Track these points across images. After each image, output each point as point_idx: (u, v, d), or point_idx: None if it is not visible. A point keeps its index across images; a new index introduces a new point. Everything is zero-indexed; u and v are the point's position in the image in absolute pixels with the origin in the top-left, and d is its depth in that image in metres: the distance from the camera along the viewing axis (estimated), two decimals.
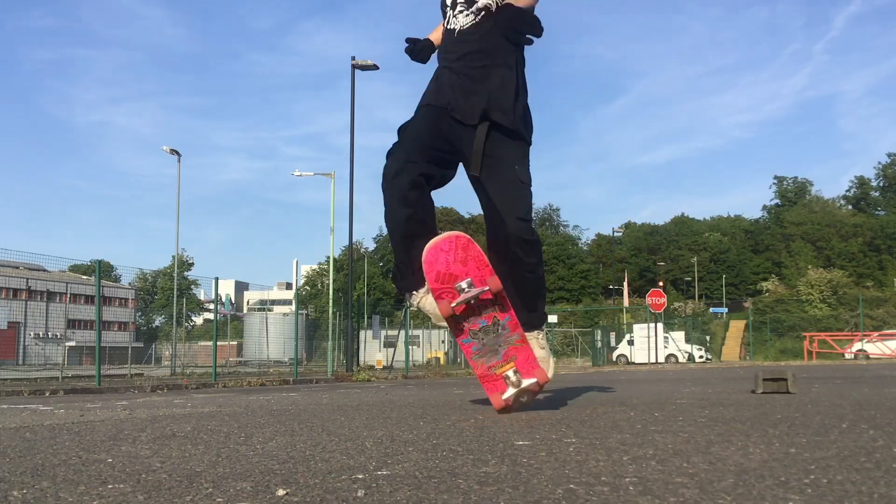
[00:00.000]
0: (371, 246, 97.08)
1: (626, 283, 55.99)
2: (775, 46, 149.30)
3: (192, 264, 76.27)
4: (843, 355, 36.58)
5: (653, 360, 29.82)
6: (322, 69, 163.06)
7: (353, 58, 20.11)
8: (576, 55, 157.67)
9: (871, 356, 33.44)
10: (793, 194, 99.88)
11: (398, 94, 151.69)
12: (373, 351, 33.13)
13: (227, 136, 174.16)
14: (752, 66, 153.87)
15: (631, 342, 40.21)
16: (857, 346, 35.87)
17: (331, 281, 21.36)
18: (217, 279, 15.35)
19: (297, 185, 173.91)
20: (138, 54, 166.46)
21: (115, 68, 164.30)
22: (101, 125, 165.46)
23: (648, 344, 30.48)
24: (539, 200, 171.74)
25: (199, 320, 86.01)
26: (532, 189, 3.75)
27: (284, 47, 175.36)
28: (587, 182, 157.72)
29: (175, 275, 37.81)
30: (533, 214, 3.81)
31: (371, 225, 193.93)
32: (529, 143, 3.83)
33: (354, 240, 26.31)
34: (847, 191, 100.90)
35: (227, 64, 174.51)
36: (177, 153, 30.26)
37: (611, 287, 78.30)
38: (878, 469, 1.86)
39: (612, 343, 41.54)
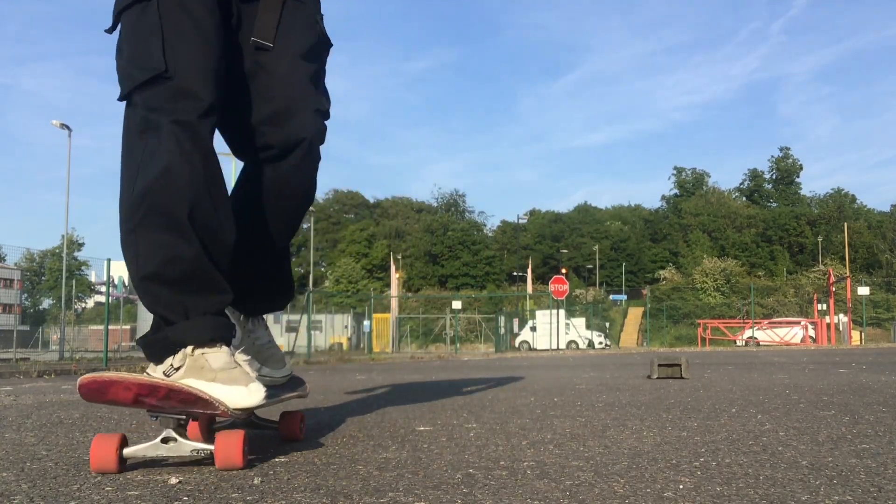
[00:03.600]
0: None
1: (529, 270, 56.79)
2: (736, 23, 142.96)
3: (82, 244, 73.61)
4: (734, 342, 38.11)
5: (554, 347, 30.39)
6: None
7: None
8: (527, 25, 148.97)
9: (761, 343, 34.93)
10: (690, 185, 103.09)
11: (331, 63, 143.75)
12: (274, 335, 32.57)
13: None
14: (708, 45, 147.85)
15: (533, 328, 40.86)
16: (747, 333, 37.39)
17: None
18: (109, 260, 14.77)
19: None
20: (50, 7, 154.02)
21: (25, 23, 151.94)
22: (5, 88, 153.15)
23: (550, 330, 31.03)
24: (462, 183, 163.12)
25: (90, 303, 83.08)
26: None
27: None
28: (520, 163, 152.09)
29: (64, 255, 36.36)
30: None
31: None
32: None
33: None
34: (741, 183, 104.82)
35: None
36: (67, 128, 29.05)
37: (515, 274, 79.40)
38: (764, 452, 1.93)
39: (515, 329, 42.14)
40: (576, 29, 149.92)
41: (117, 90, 1.96)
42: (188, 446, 1.79)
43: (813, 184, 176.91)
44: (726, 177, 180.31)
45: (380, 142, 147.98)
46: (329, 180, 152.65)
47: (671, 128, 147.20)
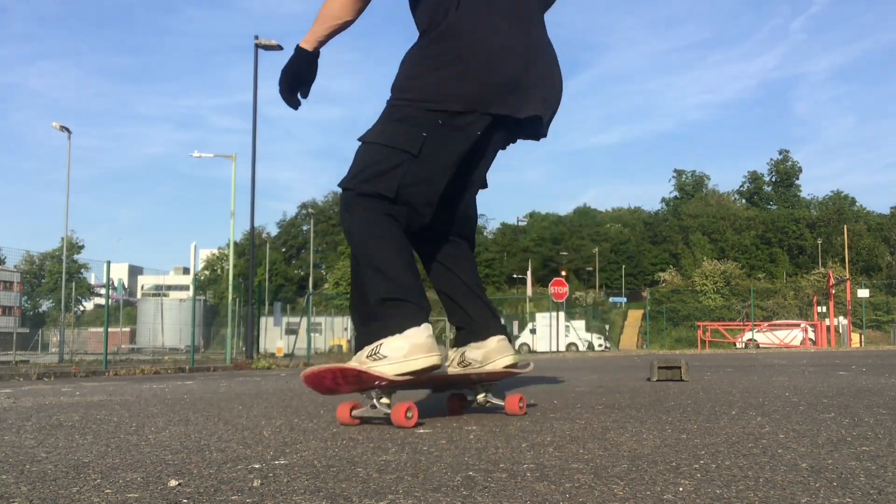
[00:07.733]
0: (274, 231, 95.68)
1: (529, 273, 56.80)
2: (755, 21, 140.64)
3: (81, 247, 73.64)
4: (734, 344, 38.13)
5: (554, 349, 30.38)
6: (267, 29, 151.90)
7: (257, 37, 19.74)
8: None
9: (760, 345, 34.96)
10: (690, 187, 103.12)
11: (347, 61, 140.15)
12: (274, 338, 32.63)
13: (151, 102, 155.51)
14: (726, 42, 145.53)
15: (533, 331, 40.85)
16: (747, 335, 37.42)
17: (231, 266, 20.93)
18: (109, 262, 14.81)
19: (212, 163, 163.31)
20: (58, 5, 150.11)
21: (31, 21, 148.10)
22: (13, 87, 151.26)
23: (550, 333, 31.04)
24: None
25: (89, 305, 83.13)
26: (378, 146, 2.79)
27: (225, 2, 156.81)
28: (528, 165, 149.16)
29: (63, 257, 36.45)
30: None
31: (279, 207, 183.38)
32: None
33: (256, 224, 25.99)
34: (741, 186, 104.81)
35: (159, 19, 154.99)
36: (67, 130, 29.09)
37: (515, 276, 79.37)
38: (764, 454, 1.93)
39: (515, 332, 42.14)
40: (591, 27, 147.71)
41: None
42: (382, 410, 2.61)
43: (820, 185, 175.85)
44: (731, 179, 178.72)
45: None
46: (329, 182, 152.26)
47: (684, 128, 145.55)
